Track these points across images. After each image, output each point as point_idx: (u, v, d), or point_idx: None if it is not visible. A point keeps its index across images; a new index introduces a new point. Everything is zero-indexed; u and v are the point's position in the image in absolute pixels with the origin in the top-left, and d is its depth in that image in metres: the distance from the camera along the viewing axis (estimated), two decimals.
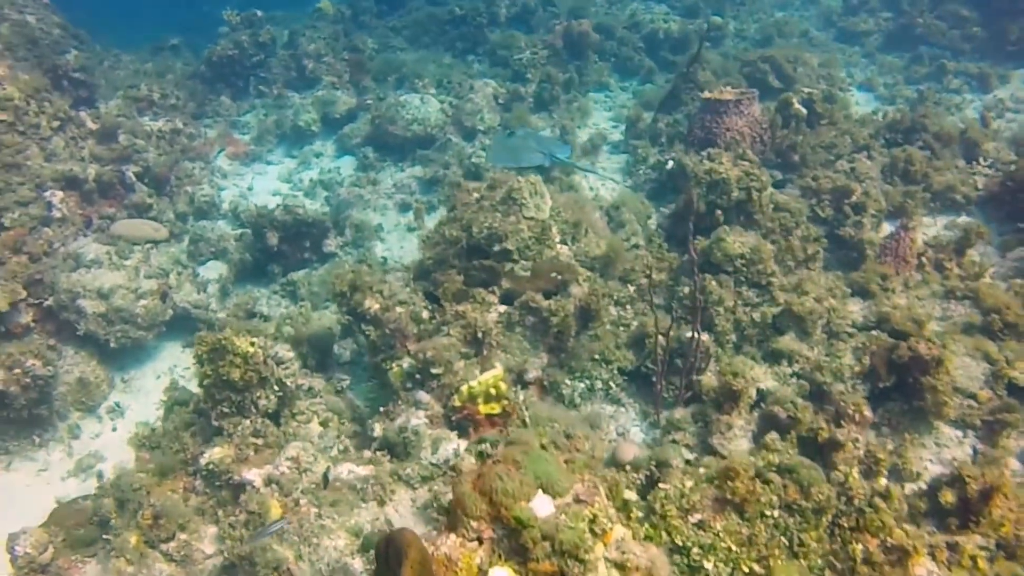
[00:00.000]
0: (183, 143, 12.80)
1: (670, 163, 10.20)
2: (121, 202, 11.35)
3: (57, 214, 10.52)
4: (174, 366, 9.92)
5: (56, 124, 11.52)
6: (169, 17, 34.21)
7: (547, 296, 7.36)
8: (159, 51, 17.81)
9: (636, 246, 9.04)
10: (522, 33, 15.69)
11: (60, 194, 10.63)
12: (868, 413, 5.75)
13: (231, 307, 10.13)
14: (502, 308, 7.37)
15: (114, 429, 9.20)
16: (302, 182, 12.66)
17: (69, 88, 13.22)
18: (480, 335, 6.99)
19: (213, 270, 10.95)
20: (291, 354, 7.18)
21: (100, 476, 7.93)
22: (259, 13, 16.10)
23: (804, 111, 10.54)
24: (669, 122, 11.75)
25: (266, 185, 12.78)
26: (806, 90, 10.88)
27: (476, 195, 8.24)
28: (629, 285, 7.94)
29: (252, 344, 6.59)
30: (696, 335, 6.55)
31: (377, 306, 7.54)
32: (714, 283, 7.37)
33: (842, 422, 5.61)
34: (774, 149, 10.26)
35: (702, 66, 12.89)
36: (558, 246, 7.97)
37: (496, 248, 7.63)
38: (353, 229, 11.04)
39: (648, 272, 7.38)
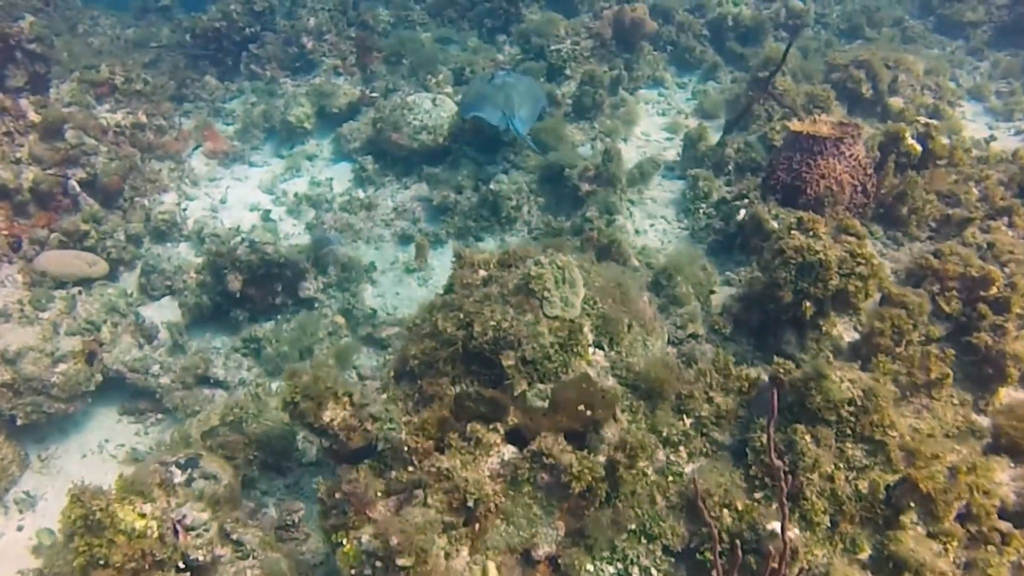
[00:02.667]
0: (147, 140, 10.85)
1: (742, 213, 8.06)
2: (62, 217, 9.49)
3: None
4: (105, 441, 8.13)
5: None
6: None
7: (570, 436, 5.40)
8: (145, 13, 15.82)
9: (694, 336, 6.99)
10: (562, 16, 13.41)
11: None
12: None
13: (178, 370, 8.24)
14: (508, 452, 5.41)
15: (19, 528, 7.46)
16: (286, 196, 10.67)
17: (24, 62, 11.38)
18: (472, 502, 5.03)
19: (168, 310, 9.12)
20: (206, 515, 5.26)
21: None
22: None
23: (919, 148, 8.33)
24: (739, 146, 9.54)
25: (244, 196, 10.82)
26: (923, 120, 8.62)
27: (482, 273, 6.21)
28: (685, 416, 5.89)
29: (143, 516, 4.70)
30: (784, 544, 4.53)
31: (341, 417, 5.70)
32: (808, 439, 5.31)
33: None
34: (878, 200, 8.08)
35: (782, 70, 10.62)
36: (590, 352, 5.94)
37: (503, 359, 5.62)
38: (338, 268, 9.07)
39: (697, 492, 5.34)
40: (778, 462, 4.28)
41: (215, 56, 13.06)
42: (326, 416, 5.82)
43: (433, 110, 10.15)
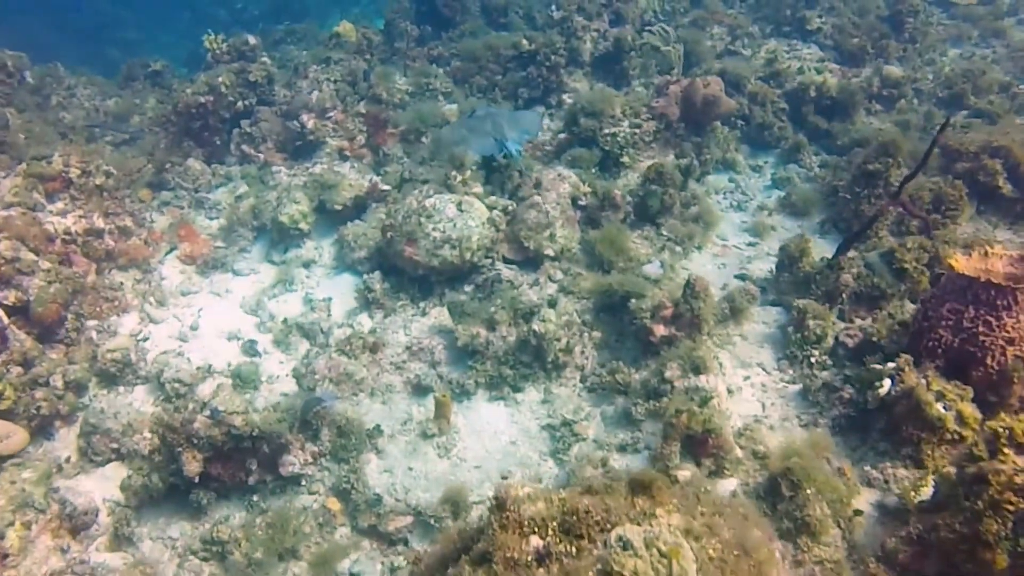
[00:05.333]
0: (105, 248, 8.88)
1: (886, 384, 5.85)
2: None
3: None
4: None
5: None
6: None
7: None
8: (130, 82, 14.02)
9: None
10: (606, 84, 11.46)
11: None
12: None
13: None
14: None
15: None
16: (273, 319, 8.62)
17: None
18: None
19: (114, 481, 7.06)
20: None
21: None
22: (251, 40, 12.11)
23: None
24: (859, 271, 7.38)
25: (221, 319, 8.79)
26: None
27: (535, 542, 4.04)
28: None
29: None
30: None
31: None
32: None
33: None
34: None
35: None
36: None
37: None
38: (333, 431, 6.96)
39: None
40: None
41: (200, 135, 11.14)
42: None
43: (458, 218, 8.07)
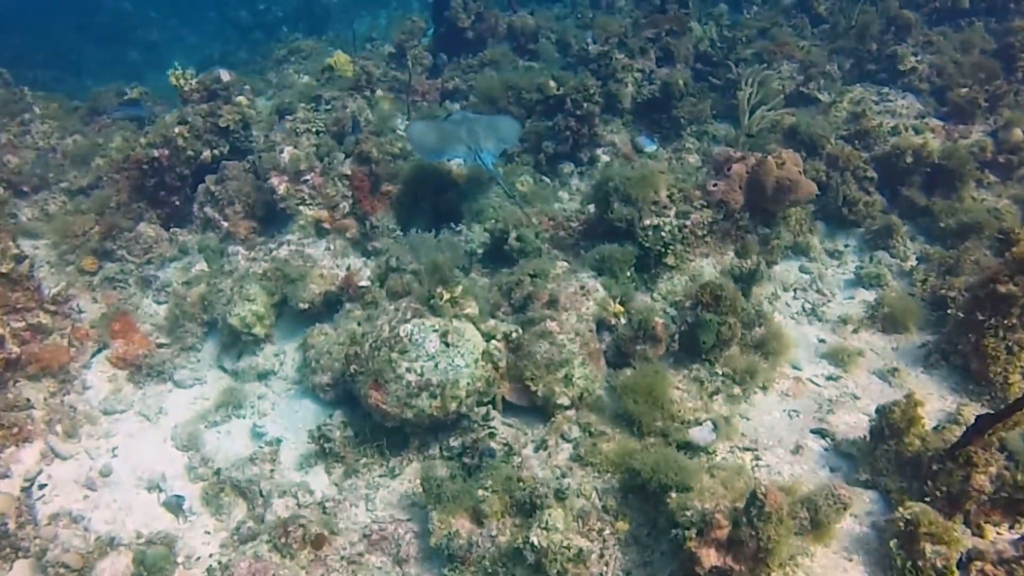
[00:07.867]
0: (6, 357, 7.09)
1: None
2: None
3: None
4: None
5: None
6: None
7: None
8: (96, 115, 12.25)
9: None
10: (654, 144, 9.45)
11: None
12: None
13: None
14: None
15: None
16: (207, 464, 6.77)
17: None
18: None
19: None
20: None
21: None
22: (225, 76, 10.24)
23: None
24: (999, 470, 5.26)
25: (143, 458, 6.97)
26: None
27: None
28: None
29: None
30: None
31: None
32: None
33: None
34: None
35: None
36: None
37: None
38: None
39: None
40: None
41: (156, 195, 9.32)
42: None
43: (442, 355, 6.09)
